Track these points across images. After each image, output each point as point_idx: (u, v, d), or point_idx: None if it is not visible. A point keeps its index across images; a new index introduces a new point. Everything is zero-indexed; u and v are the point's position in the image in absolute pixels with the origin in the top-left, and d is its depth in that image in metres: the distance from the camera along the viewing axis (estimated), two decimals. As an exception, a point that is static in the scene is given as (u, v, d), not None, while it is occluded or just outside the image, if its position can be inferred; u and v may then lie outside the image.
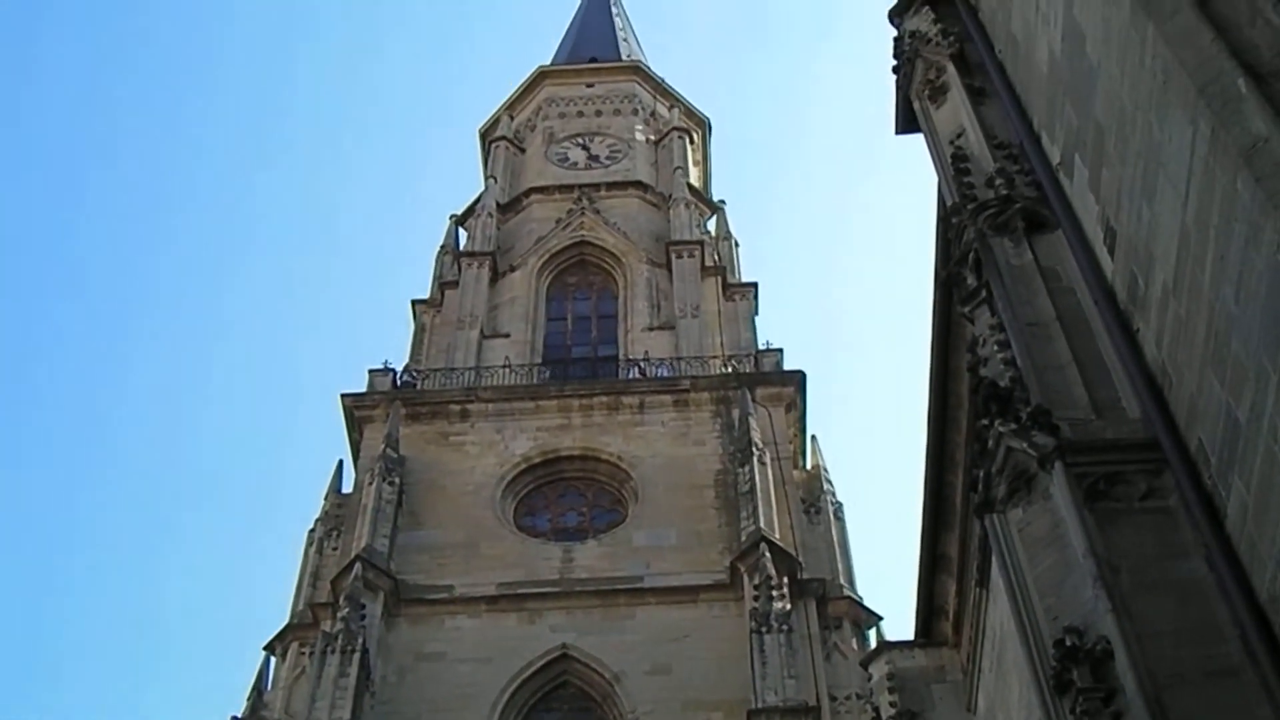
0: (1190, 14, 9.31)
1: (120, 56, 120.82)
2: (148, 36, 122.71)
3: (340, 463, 43.25)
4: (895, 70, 17.02)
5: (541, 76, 63.71)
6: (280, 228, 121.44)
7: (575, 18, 74.00)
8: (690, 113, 63.33)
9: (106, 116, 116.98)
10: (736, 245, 55.34)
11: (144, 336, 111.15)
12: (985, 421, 11.43)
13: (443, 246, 54.89)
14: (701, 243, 51.82)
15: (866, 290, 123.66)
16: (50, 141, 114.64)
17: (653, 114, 61.82)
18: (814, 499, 40.91)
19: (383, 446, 41.03)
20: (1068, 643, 9.69)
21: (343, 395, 44.40)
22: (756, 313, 50.19)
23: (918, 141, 16.61)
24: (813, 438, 43.92)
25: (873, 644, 34.06)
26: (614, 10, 73.75)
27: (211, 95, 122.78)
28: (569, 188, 54.97)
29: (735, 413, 41.92)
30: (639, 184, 55.82)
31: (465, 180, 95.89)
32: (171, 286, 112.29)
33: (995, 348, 12.26)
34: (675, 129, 59.96)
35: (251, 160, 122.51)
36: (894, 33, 17.12)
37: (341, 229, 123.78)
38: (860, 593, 38.39)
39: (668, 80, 64.73)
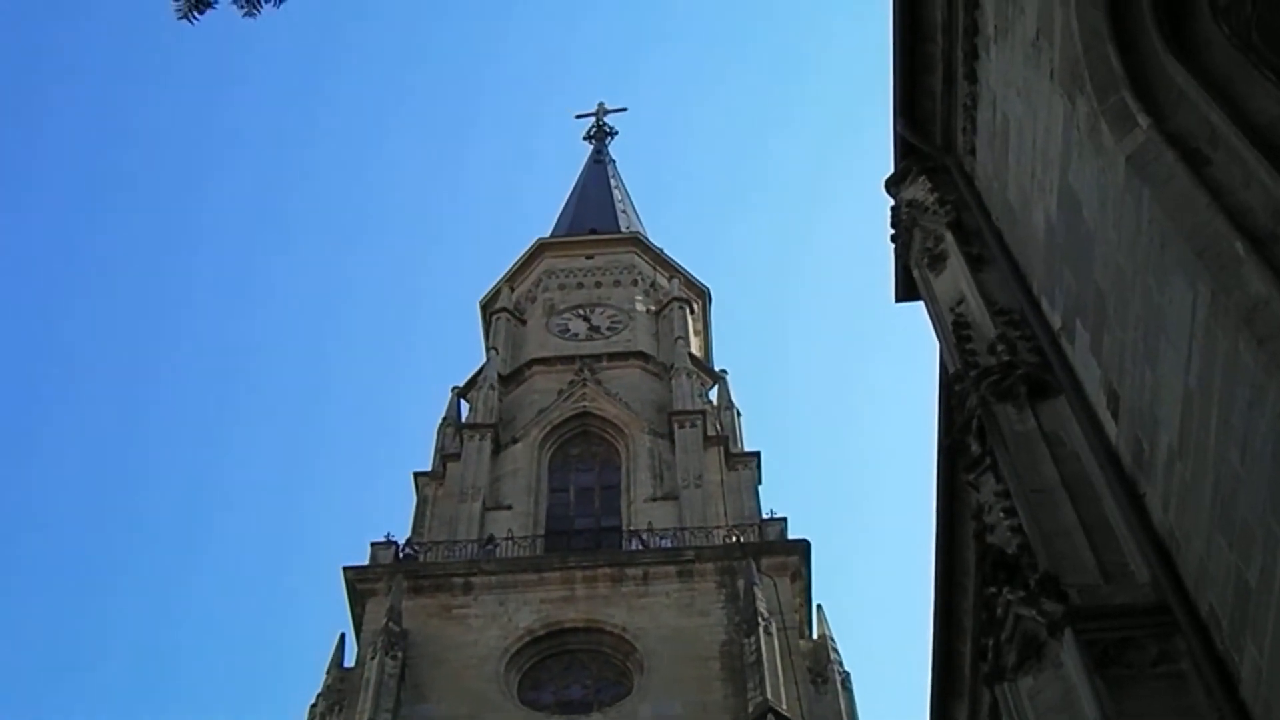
0: (1185, 179, 9.39)
1: (106, 229, 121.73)
2: (133, 213, 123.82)
3: (342, 636, 42.91)
4: (893, 239, 17.13)
5: (541, 248, 64.14)
6: (283, 399, 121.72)
7: (574, 189, 74.71)
8: (690, 283, 63.68)
9: (98, 286, 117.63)
10: (738, 414, 55.36)
11: (146, 509, 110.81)
12: (993, 589, 11.32)
13: (445, 419, 54.84)
14: (703, 412, 51.83)
15: (870, 457, 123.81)
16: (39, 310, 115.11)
17: (652, 284, 62.16)
18: (821, 669, 40.50)
19: (385, 620, 40.70)
20: (1083, 812, 9.52)
21: (345, 568, 44.18)
22: (760, 482, 50.06)
23: (918, 309, 16.70)
24: (818, 607, 43.68)
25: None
26: (612, 182, 74.47)
27: (216, 263, 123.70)
28: (570, 359, 55.08)
29: (740, 583, 41.61)
30: (640, 354, 55.95)
31: (467, 352, 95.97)
32: (175, 458, 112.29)
33: (1001, 515, 12.19)
34: (675, 299, 60.24)
35: (254, 331, 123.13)
36: (891, 202, 17.27)
37: (344, 401, 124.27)
38: (870, 763, 37.92)
39: (667, 250, 65.29)
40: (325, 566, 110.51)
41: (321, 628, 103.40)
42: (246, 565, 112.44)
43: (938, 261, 15.77)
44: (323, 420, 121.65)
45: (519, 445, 50.33)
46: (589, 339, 57.70)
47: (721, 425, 52.99)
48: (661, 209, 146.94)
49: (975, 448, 13.23)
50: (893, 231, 17.08)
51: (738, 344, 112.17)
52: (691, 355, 56.16)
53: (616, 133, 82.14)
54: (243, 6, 12.07)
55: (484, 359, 57.48)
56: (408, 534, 47.28)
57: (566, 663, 41.49)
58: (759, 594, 40.54)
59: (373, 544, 45.38)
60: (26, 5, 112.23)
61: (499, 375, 54.62)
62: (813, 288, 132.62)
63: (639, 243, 64.94)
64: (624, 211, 70.57)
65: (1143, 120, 10.02)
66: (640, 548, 44.49)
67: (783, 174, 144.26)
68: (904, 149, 17.09)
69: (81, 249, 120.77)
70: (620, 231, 66.42)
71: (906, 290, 17.09)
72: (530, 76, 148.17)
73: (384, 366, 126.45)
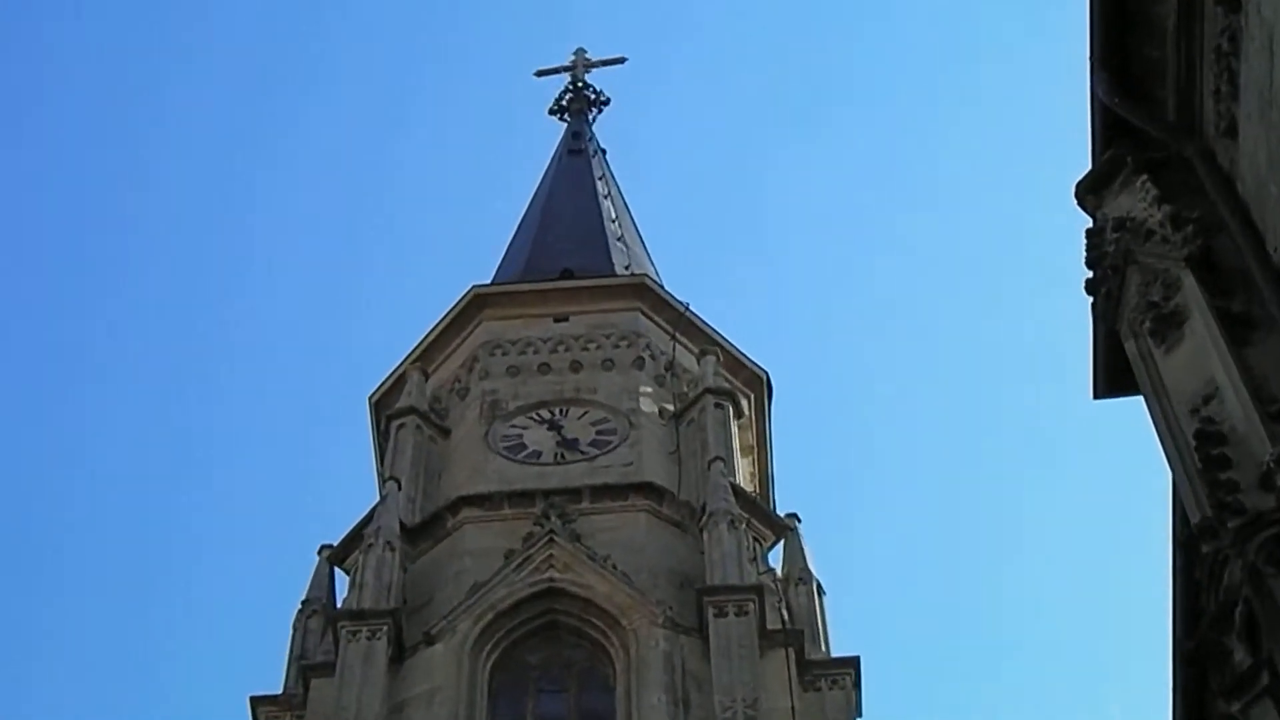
0: None
1: None
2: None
3: None
4: (1090, 287, 17.05)
5: (478, 302, 63.77)
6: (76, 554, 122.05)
7: (534, 199, 74.34)
8: (737, 362, 63.29)
9: None
10: (820, 593, 55.07)
11: None
12: None
13: (306, 601, 54.62)
14: (759, 589, 51.42)
15: (1047, 665, 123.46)
16: None
17: (670, 366, 61.78)
18: None
19: None
20: None
21: None
22: (859, 713, 49.85)
23: (1134, 406, 16.62)
24: None
25: None
26: (600, 187, 73.74)
27: None
28: (528, 496, 54.77)
29: None
30: (648, 488, 55.60)
31: (347, 483, 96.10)
32: None
33: (1290, 774, 12.11)
34: (709, 391, 59.74)
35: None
36: (1088, 221, 17.21)
37: (154, 567, 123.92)
38: None
39: (695, 307, 64.78)
40: None
41: None
42: None
43: (1170, 326, 15.72)
44: (128, 596, 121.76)
45: (438, 649, 50.02)
46: (559, 461, 57.37)
47: (790, 613, 52.78)
48: (685, 235, 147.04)
49: (1241, 654, 13.14)
50: (1090, 273, 17.01)
51: (817, 469, 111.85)
52: (738, 489, 55.80)
53: (608, 101, 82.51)
54: None
55: (376, 495, 57.40)
56: (243, 806, 47.30)
57: None
58: None
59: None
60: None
61: (402, 525, 54.37)
62: (941, 371, 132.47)
63: (647, 292, 64.58)
64: (620, 239, 70.49)
65: None
66: (651, 828, 44.43)
67: (892, 173, 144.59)
68: (1110, 129, 17.08)
69: None
70: (614, 273, 66.37)
71: (1113, 376, 17.03)
72: (465, 7, 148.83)
73: (208, 507, 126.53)
